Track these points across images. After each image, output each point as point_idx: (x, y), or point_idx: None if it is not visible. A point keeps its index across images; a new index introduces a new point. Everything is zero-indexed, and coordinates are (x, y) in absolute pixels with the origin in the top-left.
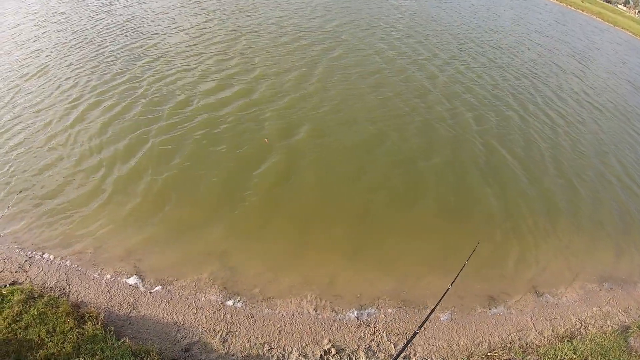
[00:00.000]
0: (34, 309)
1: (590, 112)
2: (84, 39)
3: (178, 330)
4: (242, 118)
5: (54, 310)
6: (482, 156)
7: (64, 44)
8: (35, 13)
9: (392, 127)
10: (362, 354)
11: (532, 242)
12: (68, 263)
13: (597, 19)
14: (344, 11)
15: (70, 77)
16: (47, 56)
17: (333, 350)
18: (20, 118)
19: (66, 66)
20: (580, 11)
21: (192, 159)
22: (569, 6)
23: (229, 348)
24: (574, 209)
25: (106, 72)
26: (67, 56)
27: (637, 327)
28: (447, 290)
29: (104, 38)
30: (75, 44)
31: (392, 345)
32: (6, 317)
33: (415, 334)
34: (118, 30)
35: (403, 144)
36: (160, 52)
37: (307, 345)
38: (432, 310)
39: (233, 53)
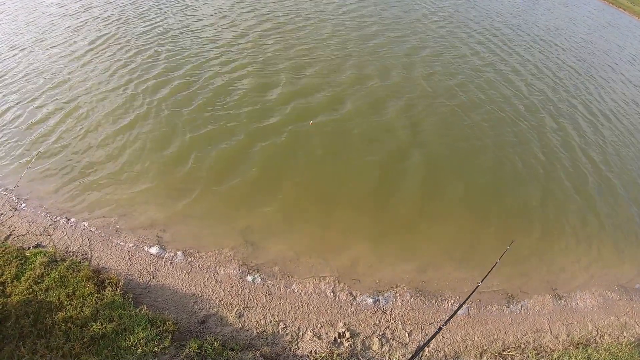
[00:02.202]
0: (55, 272)
1: None
2: None
3: (195, 301)
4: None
5: (74, 274)
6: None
7: None
8: None
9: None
10: (375, 340)
11: (557, 244)
12: (92, 229)
13: None
14: None
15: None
16: None
17: (347, 334)
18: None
19: None
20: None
21: (230, 141)
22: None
23: (245, 323)
24: (608, 216)
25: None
26: None
27: None
28: (477, 287)
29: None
30: None
31: (407, 334)
32: (27, 279)
33: (440, 329)
34: None
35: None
36: None
37: (322, 326)
38: (460, 306)
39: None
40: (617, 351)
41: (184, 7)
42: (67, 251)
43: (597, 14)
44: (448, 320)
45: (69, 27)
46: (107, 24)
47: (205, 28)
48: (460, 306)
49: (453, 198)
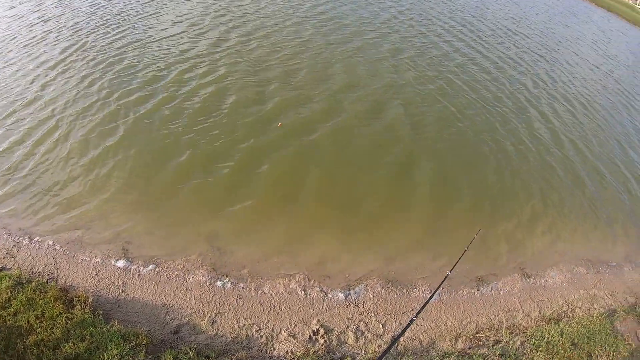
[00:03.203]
0: (22, 295)
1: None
2: None
3: (167, 312)
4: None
5: (42, 295)
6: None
7: None
8: None
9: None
10: (350, 334)
11: (522, 225)
12: (57, 247)
13: None
14: None
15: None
16: None
17: (322, 331)
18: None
19: None
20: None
21: (182, 143)
22: None
23: (218, 329)
24: (566, 193)
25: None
26: None
27: (623, 311)
28: (447, 277)
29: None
30: None
31: (381, 326)
32: None
33: (412, 321)
34: None
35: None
36: None
37: (295, 325)
38: (430, 297)
39: None
40: (588, 323)
41: (151, 13)
42: (32, 272)
43: (556, 1)
44: (419, 311)
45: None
46: (72, 33)
47: (178, 36)
48: (431, 297)
49: (420, 188)
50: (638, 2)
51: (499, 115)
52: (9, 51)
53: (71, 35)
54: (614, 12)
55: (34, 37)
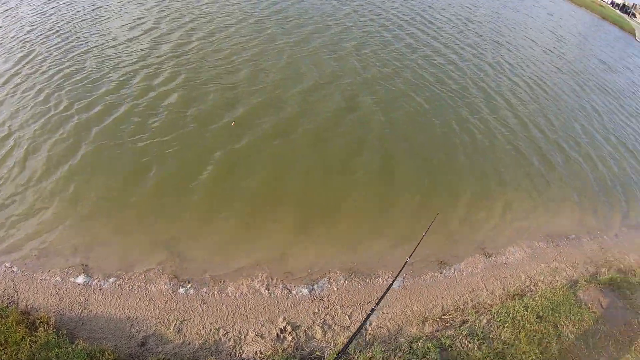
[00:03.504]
0: None
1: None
2: None
3: (132, 325)
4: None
5: (3, 320)
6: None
7: None
8: None
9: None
10: (317, 329)
11: (478, 206)
12: (14, 269)
13: None
14: None
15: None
16: None
17: (289, 328)
18: None
19: None
20: None
21: (132, 150)
22: None
23: (185, 337)
24: (520, 172)
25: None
26: None
27: (585, 281)
28: (406, 263)
29: None
30: None
31: (347, 317)
32: None
33: (372, 310)
34: None
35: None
36: None
37: (262, 325)
38: (390, 285)
39: None
40: (552, 295)
41: (105, 19)
42: None
43: None
44: (379, 300)
45: None
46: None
47: (136, 41)
48: (390, 285)
49: (374, 176)
50: None
51: (464, 103)
52: None
53: (22, 46)
54: None
55: None
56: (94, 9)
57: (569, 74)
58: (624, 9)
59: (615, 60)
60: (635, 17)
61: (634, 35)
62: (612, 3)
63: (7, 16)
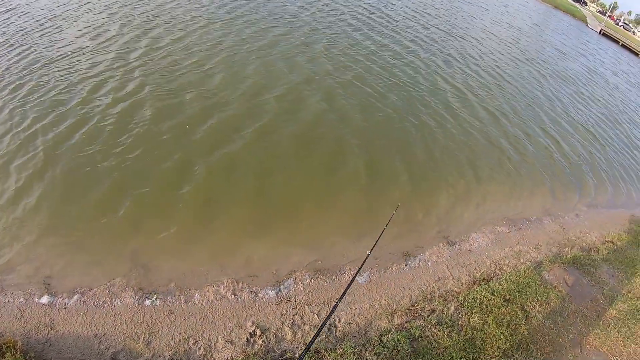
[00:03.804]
0: None
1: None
2: None
3: (100, 342)
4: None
5: None
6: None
7: None
8: None
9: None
10: (287, 330)
11: (441, 195)
12: None
13: None
14: None
15: None
16: None
17: (258, 331)
18: None
19: None
20: None
21: (81, 160)
22: None
23: (155, 349)
24: (485, 161)
25: None
26: None
27: (549, 262)
28: (367, 257)
29: None
30: None
31: (316, 316)
32: None
33: (335, 307)
34: None
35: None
36: None
37: (231, 331)
38: (352, 281)
39: None
40: (517, 278)
41: (55, 28)
42: None
43: None
44: (342, 296)
45: None
46: None
47: (85, 49)
48: (352, 280)
49: (337, 174)
50: None
51: (435, 97)
52: None
53: None
54: None
55: None
56: (51, 18)
57: (528, 63)
58: None
59: (570, 47)
60: (586, 4)
61: (586, 22)
62: None
63: None
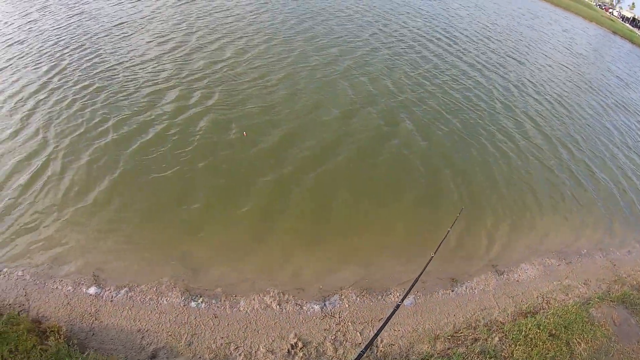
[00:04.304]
0: None
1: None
2: None
3: (142, 337)
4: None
5: (14, 328)
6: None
7: None
8: None
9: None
10: (329, 345)
11: (490, 223)
12: (27, 277)
13: None
14: None
15: None
16: None
17: (300, 344)
18: None
19: None
20: None
21: (147, 163)
22: None
23: (195, 351)
24: (534, 187)
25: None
26: None
27: (597, 298)
28: (431, 258)
29: None
30: None
31: (359, 334)
32: None
33: (397, 307)
34: None
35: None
36: None
37: (273, 341)
38: (415, 282)
39: None
40: (564, 313)
41: (128, 35)
42: (3, 305)
43: (516, 4)
44: (407, 292)
45: None
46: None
47: (160, 58)
48: (415, 282)
49: (386, 192)
50: None
51: (494, 123)
52: None
53: (49, 59)
54: (572, 11)
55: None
56: (117, 24)
57: (590, 92)
58: (634, 22)
59: (630, 75)
60: None
61: None
62: (622, 17)
63: (30, 29)
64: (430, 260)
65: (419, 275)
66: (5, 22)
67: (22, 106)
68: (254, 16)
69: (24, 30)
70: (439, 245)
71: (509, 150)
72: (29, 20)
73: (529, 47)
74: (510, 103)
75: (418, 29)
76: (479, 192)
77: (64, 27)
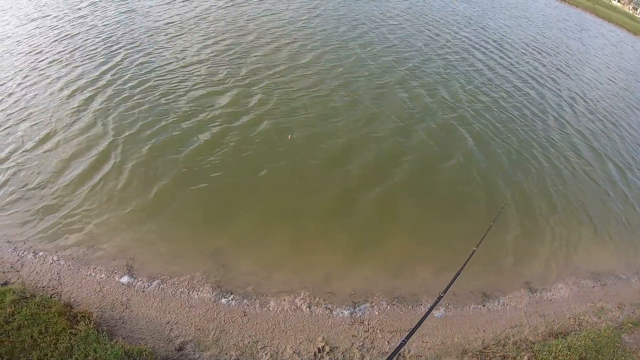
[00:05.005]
0: (26, 310)
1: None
2: None
3: (171, 329)
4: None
5: (46, 310)
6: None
7: None
8: None
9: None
10: (356, 352)
11: (527, 238)
12: (61, 262)
13: None
14: None
15: None
16: None
17: (327, 348)
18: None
19: None
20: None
21: (193, 161)
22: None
23: (222, 347)
24: (575, 204)
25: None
26: None
27: (631, 323)
28: (474, 252)
29: None
30: None
31: (386, 342)
32: None
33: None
34: None
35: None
36: None
37: (300, 343)
38: (457, 275)
39: None
40: (596, 336)
41: (178, 35)
42: (36, 287)
43: (563, 17)
44: (446, 288)
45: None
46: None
47: (215, 58)
48: (457, 276)
49: (420, 200)
50: (639, 11)
51: (547, 138)
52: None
53: (104, 53)
54: (614, 22)
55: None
56: (168, 22)
57: (638, 110)
58: None
59: None
60: None
61: None
62: None
63: (81, 24)
64: (472, 253)
65: (461, 269)
66: (56, 17)
67: (80, 96)
68: (305, 20)
69: (75, 25)
70: (482, 239)
71: (563, 167)
72: (79, 15)
73: (578, 61)
74: (564, 120)
75: (469, 40)
76: (521, 207)
77: (115, 24)
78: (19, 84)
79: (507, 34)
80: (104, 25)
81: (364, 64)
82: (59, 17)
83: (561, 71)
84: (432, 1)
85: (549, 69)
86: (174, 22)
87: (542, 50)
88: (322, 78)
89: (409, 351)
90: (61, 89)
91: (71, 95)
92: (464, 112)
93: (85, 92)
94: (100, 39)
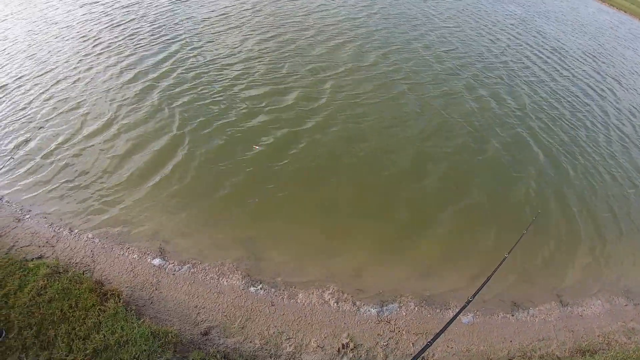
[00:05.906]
0: (58, 284)
1: None
2: None
3: (198, 313)
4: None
5: (77, 286)
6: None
7: None
8: None
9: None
10: (379, 351)
11: (562, 250)
12: (95, 240)
13: None
14: None
15: None
16: None
17: (351, 345)
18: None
19: None
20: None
21: (228, 150)
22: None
23: (247, 335)
24: (615, 218)
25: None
26: None
27: None
28: (505, 259)
29: None
30: None
31: (411, 344)
32: (30, 290)
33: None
34: None
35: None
36: None
37: (325, 337)
38: (486, 282)
39: None
40: (624, 358)
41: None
42: (69, 262)
43: (613, 24)
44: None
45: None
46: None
47: (264, 56)
48: (488, 280)
49: (456, 204)
50: None
51: (608, 152)
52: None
53: (160, 43)
54: None
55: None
56: (221, 14)
57: None
58: None
59: None
60: None
61: None
62: None
63: (130, 12)
64: (503, 260)
65: (491, 275)
66: (105, 3)
67: (138, 85)
68: (364, 18)
69: (125, 13)
70: (513, 247)
71: (628, 187)
72: (130, 2)
73: (633, 72)
74: (624, 135)
75: (529, 45)
76: (555, 217)
77: (169, 12)
78: (75, 67)
79: (563, 40)
80: (156, 14)
81: (430, 67)
82: (109, 4)
83: (618, 82)
84: (485, 1)
85: (607, 80)
86: (227, 14)
87: (598, 59)
88: (388, 80)
89: (433, 355)
90: (118, 75)
91: (130, 81)
92: (531, 124)
93: (143, 80)
94: (154, 27)
